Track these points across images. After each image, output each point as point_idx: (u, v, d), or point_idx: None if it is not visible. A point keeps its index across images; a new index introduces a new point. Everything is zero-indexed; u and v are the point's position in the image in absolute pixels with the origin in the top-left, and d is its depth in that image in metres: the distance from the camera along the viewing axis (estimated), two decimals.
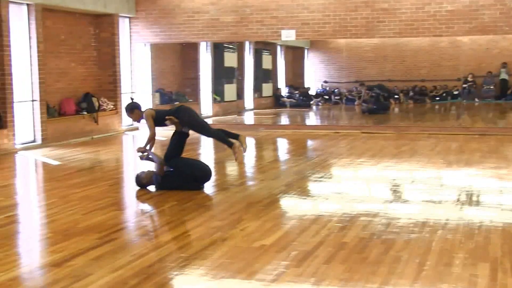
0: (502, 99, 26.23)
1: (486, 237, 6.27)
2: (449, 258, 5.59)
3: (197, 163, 9.29)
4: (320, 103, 26.96)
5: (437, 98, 27.05)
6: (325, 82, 29.11)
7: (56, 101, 15.25)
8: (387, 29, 16.14)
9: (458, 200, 8.14)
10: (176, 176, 8.85)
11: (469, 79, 26.58)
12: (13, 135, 13.20)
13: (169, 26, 17.56)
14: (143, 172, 8.97)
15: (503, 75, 26.70)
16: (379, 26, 16.14)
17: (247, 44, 24.24)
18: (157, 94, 19.18)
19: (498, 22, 15.35)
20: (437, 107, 25.39)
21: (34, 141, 14.08)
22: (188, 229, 6.78)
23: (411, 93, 27.35)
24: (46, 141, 14.18)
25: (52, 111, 14.78)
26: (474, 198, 8.26)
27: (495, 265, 5.36)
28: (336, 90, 28.17)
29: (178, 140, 9.01)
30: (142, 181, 8.93)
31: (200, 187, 8.89)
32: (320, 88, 28.77)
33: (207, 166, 9.19)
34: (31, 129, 14.08)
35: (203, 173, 8.94)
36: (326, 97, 27.65)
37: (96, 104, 16.18)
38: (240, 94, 24.18)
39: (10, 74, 13.16)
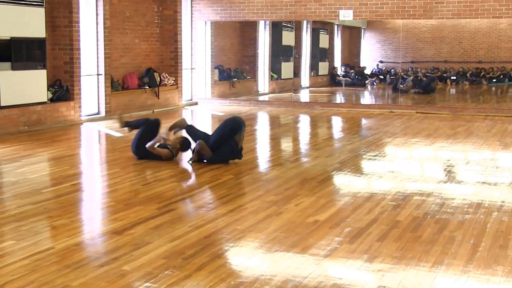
0: None
1: None
2: (505, 240, 5.44)
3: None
4: (375, 83, 26.61)
5: (494, 80, 26.37)
6: (381, 62, 28.68)
7: (120, 75, 15.40)
8: (445, 10, 15.75)
9: None
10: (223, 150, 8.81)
11: None
12: (79, 107, 13.40)
13: (230, 5, 17.49)
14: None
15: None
16: (437, 7, 15.75)
17: (304, 23, 24.02)
18: (216, 71, 19.19)
19: None
20: (493, 88, 24.78)
21: (98, 113, 14.27)
22: (244, 202, 6.76)
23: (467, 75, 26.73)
24: (110, 114, 14.35)
25: (116, 85, 14.94)
26: None
27: None
28: (392, 70, 27.75)
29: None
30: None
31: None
32: (376, 68, 28.38)
33: (237, 118, 9.06)
34: (96, 102, 14.26)
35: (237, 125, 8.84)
36: (381, 77, 27.26)
37: (158, 79, 16.29)
38: (296, 72, 24.01)
39: (78, 49, 13.34)
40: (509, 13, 15.19)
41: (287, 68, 23.05)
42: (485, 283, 4.51)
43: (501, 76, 26.67)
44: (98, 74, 14.21)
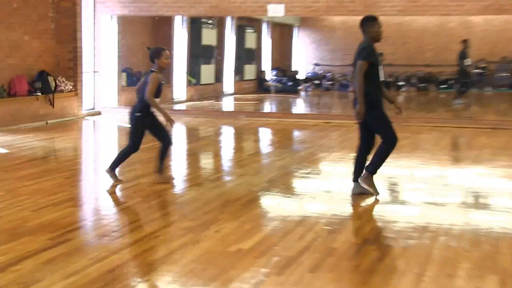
0: None
1: (495, 245, 6.28)
2: (452, 268, 5.60)
3: None
4: (309, 89, 26.97)
5: (443, 86, 27.08)
6: (316, 65, 29.11)
7: (5, 79, 15.10)
8: (389, 6, 16.11)
9: (464, 202, 8.17)
10: None
11: (481, 65, 26.64)
12: None
13: None
14: None
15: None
16: (379, 2, 16.12)
17: (228, 19, 24.16)
18: (124, 74, 19.09)
19: None
20: (443, 95, 25.44)
21: None
22: (155, 229, 6.73)
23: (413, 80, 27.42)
24: None
25: (0, 90, 14.65)
26: (482, 201, 8.28)
27: (504, 278, 5.38)
28: (328, 74, 28.19)
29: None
30: None
31: None
32: (311, 71, 28.76)
33: None
34: None
35: None
36: (317, 82, 27.64)
37: (53, 84, 16.06)
38: (218, 77, 24.12)
39: None
40: (459, 10, 15.68)
41: (207, 72, 23.11)
42: None
43: (452, 81, 27.40)
44: None
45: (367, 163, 8.24)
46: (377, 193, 8.16)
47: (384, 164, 8.08)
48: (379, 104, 8.07)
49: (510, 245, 6.29)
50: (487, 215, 7.61)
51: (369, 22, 8.21)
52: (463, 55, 20.61)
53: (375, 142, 8.27)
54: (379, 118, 8.09)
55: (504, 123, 16.12)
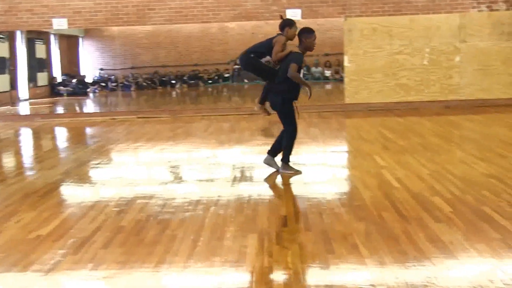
0: None
1: (254, 210, 6.52)
2: (221, 232, 5.74)
3: None
4: (97, 90, 26.41)
5: (210, 81, 27.64)
6: (101, 69, 28.61)
7: None
8: (157, 16, 16.17)
9: (229, 177, 8.38)
10: None
11: (238, 62, 27.36)
12: None
13: None
14: None
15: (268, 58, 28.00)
16: (150, 13, 16.11)
17: (18, 33, 23.07)
18: None
19: (260, 9, 16.02)
20: (210, 89, 25.95)
21: None
22: None
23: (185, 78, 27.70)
24: None
25: None
26: (244, 174, 8.55)
27: (262, 235, 5.61)
28: (112, 77, 27.80)
29: None
30: None
31: None
32: (97, 75, 28.23)
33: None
34: None
35: None
36: (103, 84, 27.16)
37: None
38: (13, 85, 23.00)
39: None
40: (216, 18, 16.06)
41: (2, 81, 22.01)
42: (204, 275, 4.74)
43: (216, 77, 28.10)
44: None
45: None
46: (299, 172, 8.23)
47: (163, 150, 8.10)
48: (292, 101, 8.16)
49: (265, 209, 6.57)
50: (248, 186, 7.88)
51: (307, 34, 8.09)
52: None
53: None
54: (288, 112, 8.18)
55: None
